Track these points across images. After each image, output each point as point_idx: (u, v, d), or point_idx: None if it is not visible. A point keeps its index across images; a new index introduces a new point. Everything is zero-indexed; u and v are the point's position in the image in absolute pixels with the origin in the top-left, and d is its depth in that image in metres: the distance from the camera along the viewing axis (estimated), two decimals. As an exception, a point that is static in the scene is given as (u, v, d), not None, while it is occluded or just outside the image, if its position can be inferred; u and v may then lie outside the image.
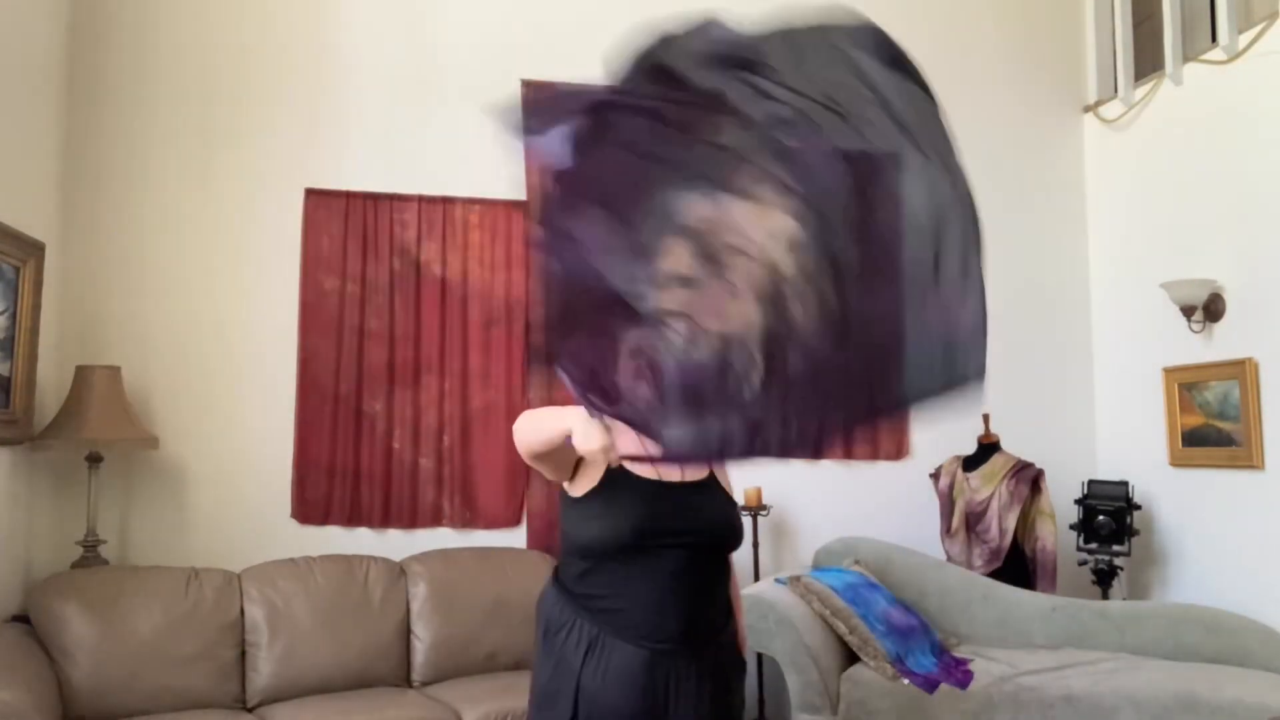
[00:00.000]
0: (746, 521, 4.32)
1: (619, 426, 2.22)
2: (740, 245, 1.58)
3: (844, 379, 1.60)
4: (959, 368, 1.55)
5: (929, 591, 4.16)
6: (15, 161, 3.54)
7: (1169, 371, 4.47)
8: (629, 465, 2.13)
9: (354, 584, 3.75)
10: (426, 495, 4.20)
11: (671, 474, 2.17)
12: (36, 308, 3.59)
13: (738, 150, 1.58)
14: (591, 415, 1.83)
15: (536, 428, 2.01)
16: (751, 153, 1.57)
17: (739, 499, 4.29)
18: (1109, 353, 4.94)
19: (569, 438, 1.88)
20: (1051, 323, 4.97)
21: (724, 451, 1.76)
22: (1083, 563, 4.43)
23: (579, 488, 2.13)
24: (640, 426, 1.76)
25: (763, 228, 1.58)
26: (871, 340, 1.59)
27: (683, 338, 1.63)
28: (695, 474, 2.22)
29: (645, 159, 1.63)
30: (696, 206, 1.60)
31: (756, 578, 4.24)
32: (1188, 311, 4.26)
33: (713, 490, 2.24)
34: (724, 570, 2.23)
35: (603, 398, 1.76)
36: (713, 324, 1.61)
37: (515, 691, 3.50)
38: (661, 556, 2.07)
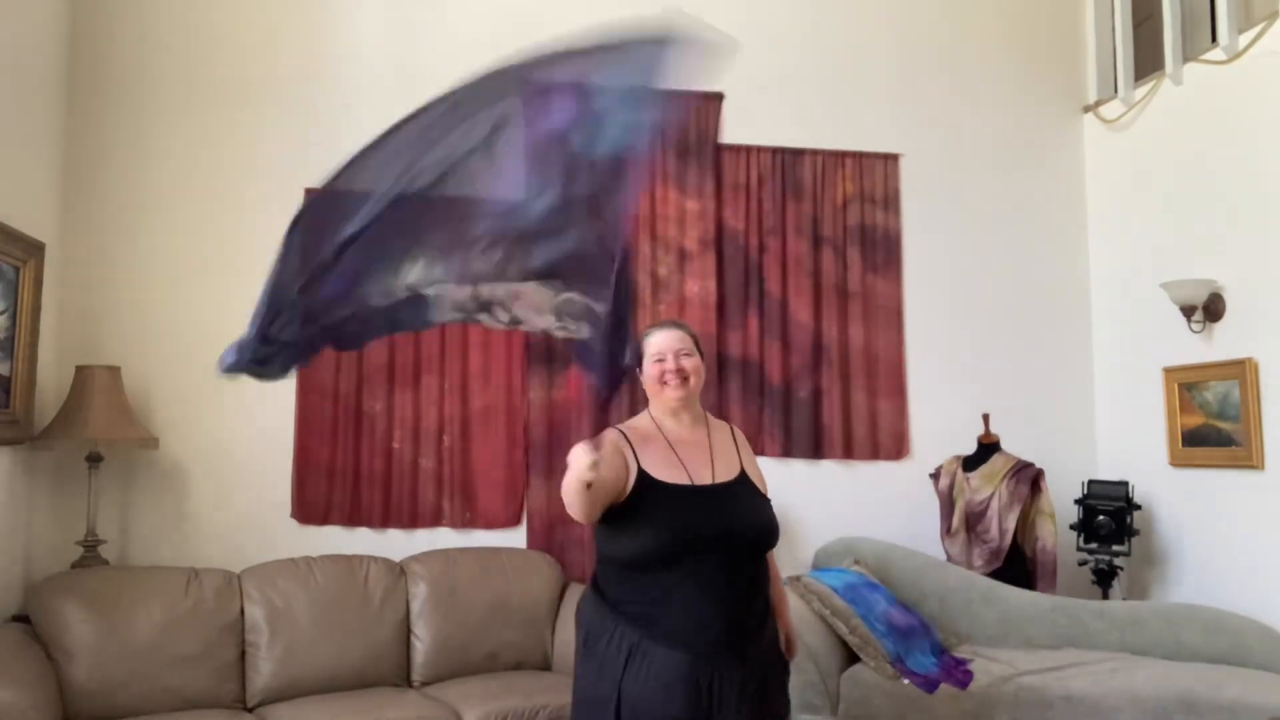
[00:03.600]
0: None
1: (650, 440, 2.26)
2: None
3: None
4: None
5: (929, 591, 4.16)
6: (15, 161, 3.55)
7: (1169, 371, 4.46)
8: (657, 474, 2.15)
9: (354, 584, 3.75)
10: (426, 495, 4.20)
11: (703, 477, 2.19)
12: (36, 308, 3.59)
13: None
14: (586, 443, 1.93)
15: (566, 497, 2.02)
16: None
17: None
18: (1109, 353, 4.93)
19: (588, 483, 1.93)
20: (1051, 323, 4.96)
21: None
22: (1083, 563, 4.43)
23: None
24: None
25: None
26: None
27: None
28: (726, 474, 2.23)
29: None
30: None
31: (756, 578, 4.24)
32: (1188, 311, 4.26)
33: (745, 489, 2.24)
34: (763, 570, 2.22)
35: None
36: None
37: (515, 691, 3.51)
38: (698, 562, 2.07)
